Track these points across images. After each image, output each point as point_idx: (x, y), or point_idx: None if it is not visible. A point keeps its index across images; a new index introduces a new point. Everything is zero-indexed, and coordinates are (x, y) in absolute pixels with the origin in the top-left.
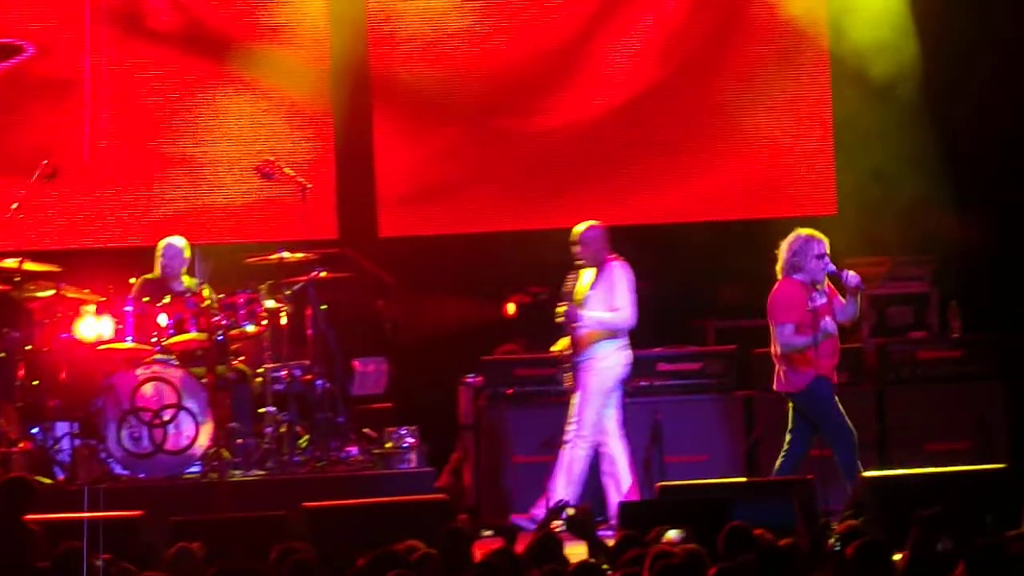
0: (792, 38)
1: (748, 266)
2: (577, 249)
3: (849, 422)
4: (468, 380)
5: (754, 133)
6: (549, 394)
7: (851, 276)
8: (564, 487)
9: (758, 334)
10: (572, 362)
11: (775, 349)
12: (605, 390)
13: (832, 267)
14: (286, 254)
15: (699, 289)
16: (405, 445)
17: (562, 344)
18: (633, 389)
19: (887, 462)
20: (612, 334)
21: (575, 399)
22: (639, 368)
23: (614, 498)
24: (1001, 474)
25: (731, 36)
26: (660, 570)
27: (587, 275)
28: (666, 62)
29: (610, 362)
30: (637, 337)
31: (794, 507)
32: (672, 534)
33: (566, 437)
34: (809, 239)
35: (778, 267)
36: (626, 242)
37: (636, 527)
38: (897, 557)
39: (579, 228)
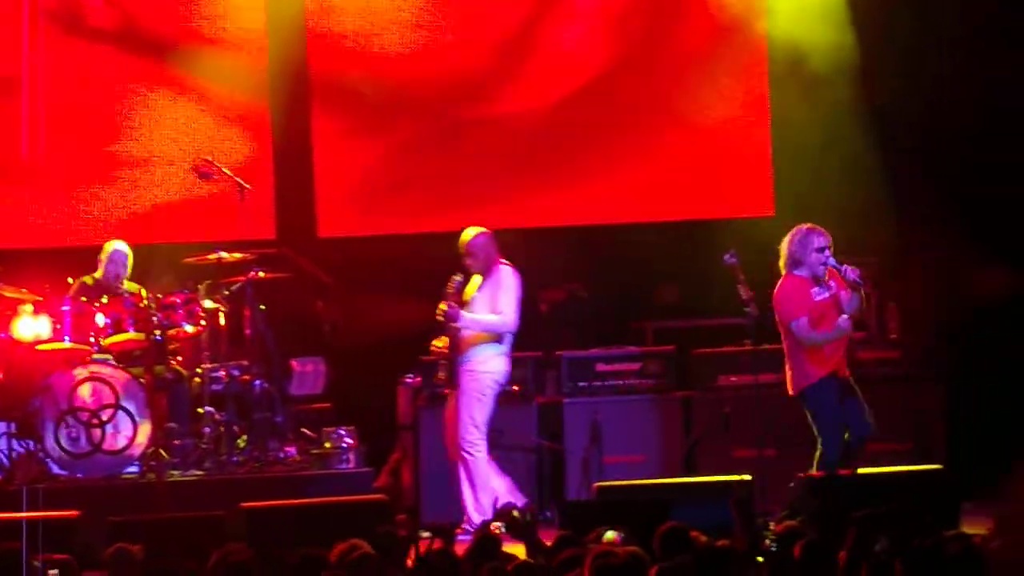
0: (730, 37)
1: (686, 267)
2: (466, 258)
3: (843, 427)
4: (407, 380)
5: (691, 134)
6: None
7: (850, 270)
8: (498, 489)
9: (696, 334)
10: (450, 362)
11: (786, 347)
12: (482, 393)
13: (833, 260)
14: (224, 254)
15: (637, 290)
16: (343, 445)
17: (441, 342)
18: (572, 389)
19: None
20: (493, 338)
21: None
22: (578, 368)
23: (468, 502)
24: (938, 474)
25: (669, 38)
26: (600, 570)
27: (476, 279)
28: (604, 63)
29: (489, 366)
30: (577, 338)
31: (730, 508)
32: (611, 535)
33: (462, 444)
34: (809, 232)
35: (780, 263)
36: (564, 243)
37: (574, 527)
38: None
39: (466, 236)
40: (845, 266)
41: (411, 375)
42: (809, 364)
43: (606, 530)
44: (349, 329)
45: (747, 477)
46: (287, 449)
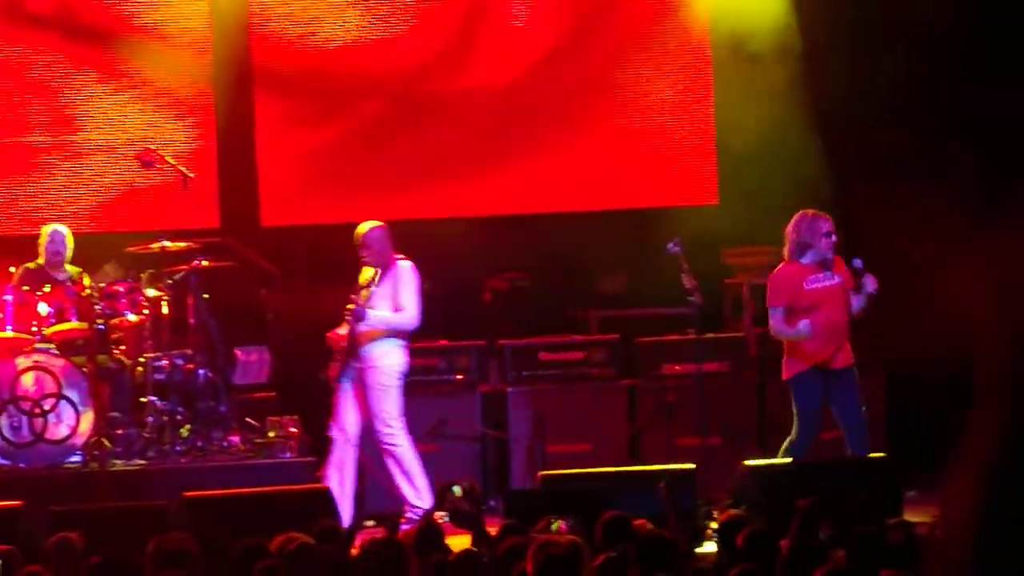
0: (674, 25)
1: (630, 255)
2: (361, 250)
3: (818, 422)
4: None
5: (635, 123)
6: (432, 383)
7: (869, 281)
8: (420, 483)
9: (640, 323)
10: (349, 356)
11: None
12: (388, 386)
13: (858, 260)
14: (168, 243)
15: (581, 279)
16: (287, 435)
17: (342, 331)
18: (516, 378)
19: (768, 450)
20: (394, 333)
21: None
22: (522, 357)
23: (336, 491)
24: (880, 462)
25: (612, 26)
26: (541, 560)
27: (368, 271)
28: (546, 51)
29: (389, 359)
30: (520, 327)
31: (662, 497)
32: (560, 524)
33: (383, 440)
34: (816, 217)
35: (785, 251)
36: (507, 232)
37: (519, 517)
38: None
39: (361, 229)
40: (858, 260)
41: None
42: (792, 355)
43: (555, 519)
44: (293, 318)
45: (690, 466)
46: (231, 438)
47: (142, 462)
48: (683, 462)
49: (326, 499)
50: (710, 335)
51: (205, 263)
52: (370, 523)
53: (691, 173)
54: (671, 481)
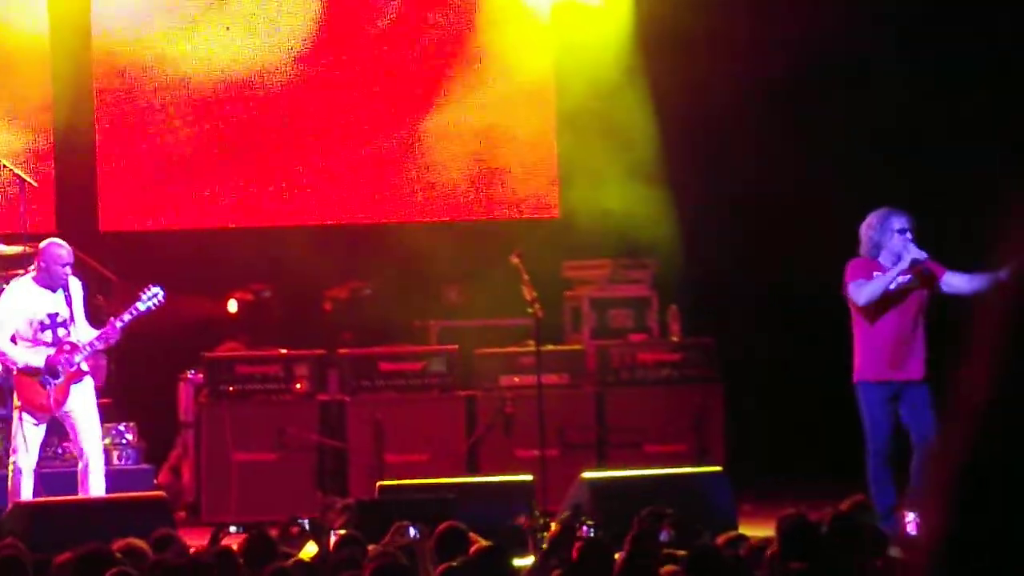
0: (516, 41)
1: (471, 267)
2: (64, 268)
3: (887, 436)
4: (189, 376)
5: (478, 136)
6: (271, 392)
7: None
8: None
9: (480, 334)
10: (65, 373)
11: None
12: (95, 400)
13: (918, 250)
14: (2, 247)
15: (421, 289)
16: (123, 442)
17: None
18: (355, 388)
19: (606, 462)
20: None
21: (86, 415)
22: (361, 367)
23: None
24: (717, 476)
25: (457, 36)
26: (377, 571)
27: (59, 292)
28: (388, 58)
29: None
30: (360, 336)
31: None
32: (411, 532)
33: (93, 454)
34: (889, 214)
35: (861, 250)
36: (348, 241)
37: (358, 527)
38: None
39: (42, 245)
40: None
41: (193, 371)
42: (859, 359)
43: (406, 527)
44: (130, 324)
45: (528, 477)
46: (65, 445)
47: None
48: (521, 473)
49: (162, 507)
50: (549, 347)
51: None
52: (233, 529)
53: (533, 186)
54: (511, 494)
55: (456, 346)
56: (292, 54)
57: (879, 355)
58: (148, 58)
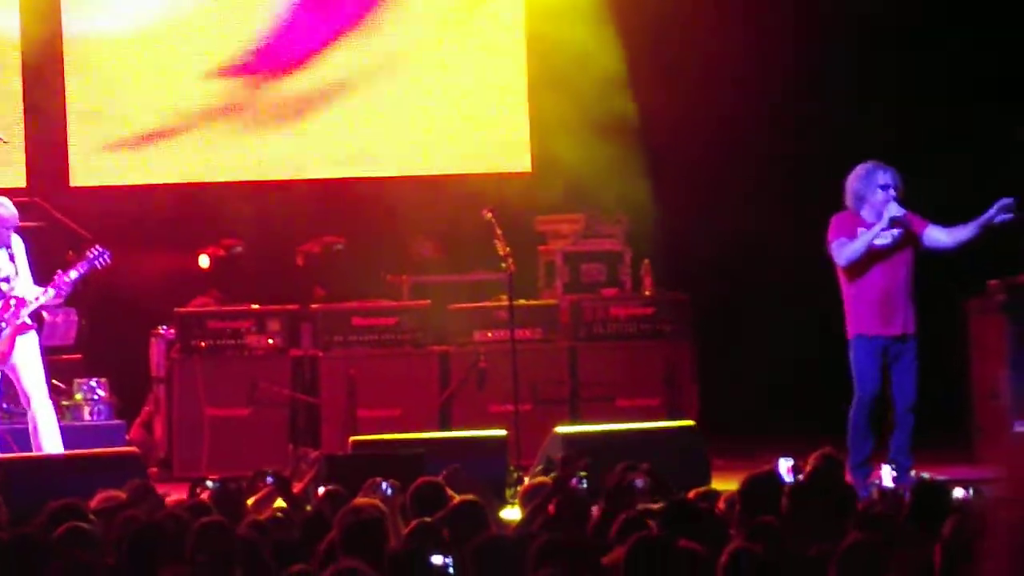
0: None
1: (444, 221)
2: (8, 230)
3: (875, 389)
4: (161, 332)
5: (448, 88)
6: (243, 348)
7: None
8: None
9: (452, 289)
10: (10, 327)
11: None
12: (39, 353)
13: (897, 207)
14: None
15: (394, 244)
16: (95, 397)
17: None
18: (328, 343)
19: (578, 417)
20: None
21: (30, 367)
22: (334, 322)
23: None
24: (689, 430)
25: None
26: (348, 527)
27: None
28: (362, 14)
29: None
30: (333, 291)
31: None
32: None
33: (39, 404)
34: (875, 168)
35: (847, 202)
36: (320, 196)
37: (337, 480)
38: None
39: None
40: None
41: (164, 327)
42: (851, 316)
43: (379, 483)
44: (101, 280)
45: (502, 432)
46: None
47: None
48: (494, 428)
49: (135, 462)
50: (522, 302)
51: None
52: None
53: (504, 140)
54: (484, 448)
55: (429, 301)
56: (269, 11)
57: (867, 312)
58: (121, 8)
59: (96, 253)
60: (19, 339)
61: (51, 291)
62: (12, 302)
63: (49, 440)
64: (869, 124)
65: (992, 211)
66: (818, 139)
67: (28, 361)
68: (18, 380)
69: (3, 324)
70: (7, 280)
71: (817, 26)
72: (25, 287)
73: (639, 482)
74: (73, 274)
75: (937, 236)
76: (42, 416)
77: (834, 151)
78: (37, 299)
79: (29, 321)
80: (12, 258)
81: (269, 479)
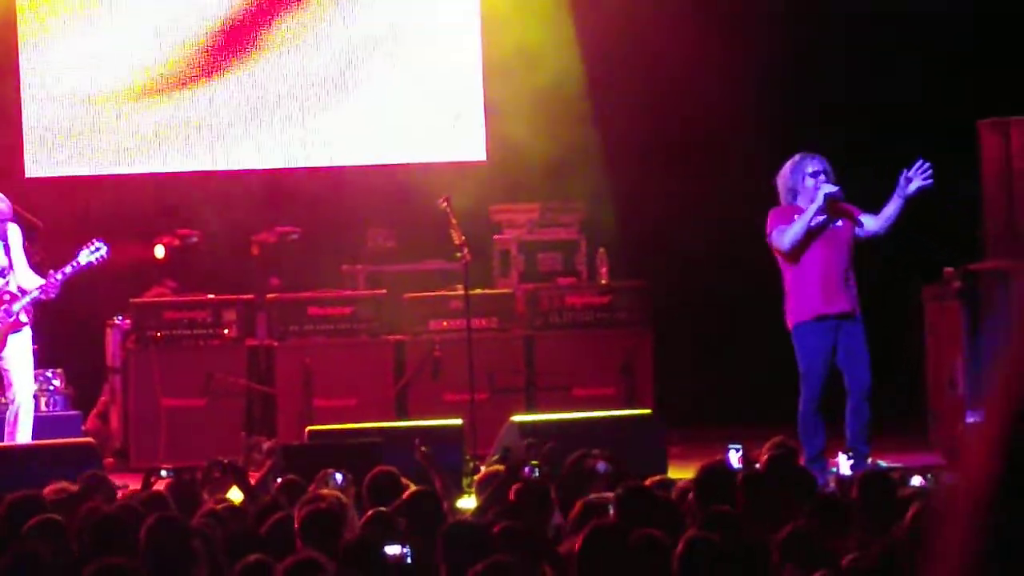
0: None
1: (399, 211)
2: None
3: (822, 374)
4: (116, 322)
5: (402, 76)
6: (199, 337)
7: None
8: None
9: (408, 279)
10: (2, 324)
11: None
12: (31, 351)
13: (830, 186)
14: None
15: (348, 234)
16: (51, 388)
17: None
18: (283, 333)
19: (535, 406)
20: None
21: (20, 364)
22: (289, 312)
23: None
24: (646, 419)
25: None
26: (307, 516)
27: None
28: (314, 10)
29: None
30: (288, 280)
31: (417, 454)
32: (337, 478)
33: (24, 402)
34: (803, 158)
35: (781, 200)
36: (275, 185)
37: (291, 471)
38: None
39: None
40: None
41: (120, 317)
42: (791, 305)
43: (331, 473)
44: (55, 269)
45: (458, 421)
46: None
47: None
48: (450, 417)
49: (91, 452)
50: (478, 291)
51: None
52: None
53: (459, 129)
54: (440, 437)
55: (384, 291)
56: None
57: (811, 293)
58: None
59: (93, 249)
60: (11, 336)
61: (38, 291)
62: (5, 296)
63: (24, 434)
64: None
65: (908, 173)
66: (778, 123)
67: (18, 358)
68: (6, 375)
69: None
70: (2, 273)
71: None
72: (21, 278)
73: (600, 466)
74: (68, 269)
75: (868, 223)
76: (23, 412)
77: (791, 136)
78: (29, 295)
79: (23, 318)
80: (8, 250)
81: (163, 474)
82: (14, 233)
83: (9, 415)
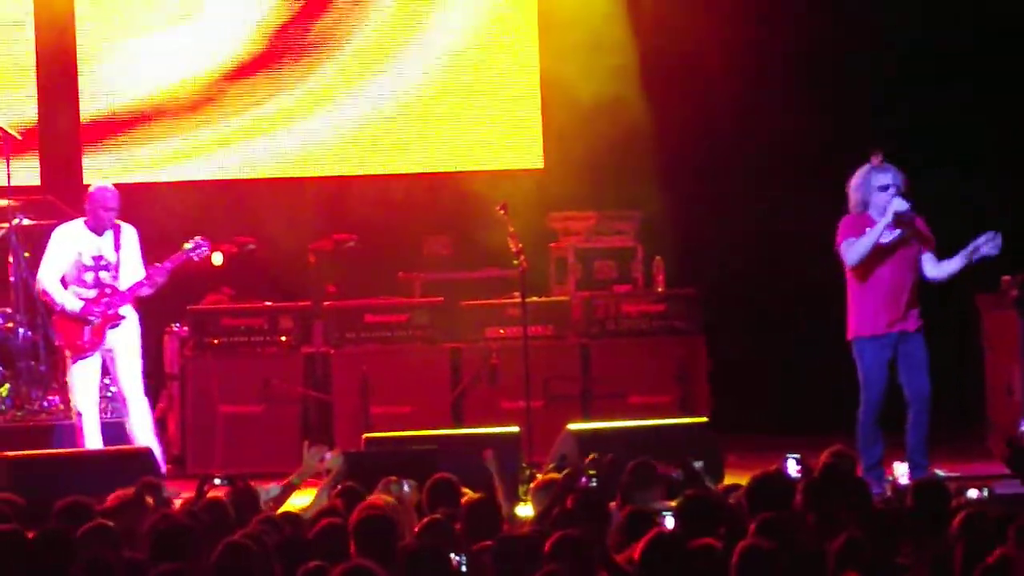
0: None
1: (454, 219)
2: (109, 212)
3: (882, 388)
4: (174, 329)
5: (461, 84)
6: (256, 344)
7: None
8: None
9: (464, 286)
10: (100, 318)
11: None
12: (138, 345)
13: (901, 202)
14: None
15: (406, 241)
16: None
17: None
18: (340, 340)
19: (590, 413)
20: None
21: (123, 358)
22: (346, 319)
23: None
24: (701, 427)
25: None
26: (362, 522)
27: (107, 236)
28: (368, 15)
29: (135, 318)
30: (345, 288)
31: (486, 462)
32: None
33: (130, 395)
34: (871, 170)
35: (851, 208)
36: (333, 193)
37: (353, 478)
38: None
39: (91, 189)
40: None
41: (178, 324)
42: (853, 318)
43: (399, 480)
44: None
45: (515, 429)
46: (51, 398)
47: None
48: (507, 425)
49: (148, 459)
50: (534, 299)
51: (26, 221)
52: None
53: (516, 137)
54: (497, 445)
55: (441, 298)
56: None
57: (874, 310)
58: (133, 15)
59: (193, 245)
60: (110, 331)
61: (145, 286)
62: (107, 290)
63: (142, 434)
64: (884, 120)
65: (980, 241)
66: (833, 134)
67: (122, 350)
68: (113, 366)
69: (91, 319)
70: (107, 268)
71: (830, 20)
72: (132, 276)
73: (676, 474)
74: (169, 265)
75: (928, 270)
76: (133, 408)
77: (850, 146)
78: (132, 290)
79: (124, 312)
80: (118, 248)
81: (216, 481)
82: (128, 233)
83: (130, 417)
